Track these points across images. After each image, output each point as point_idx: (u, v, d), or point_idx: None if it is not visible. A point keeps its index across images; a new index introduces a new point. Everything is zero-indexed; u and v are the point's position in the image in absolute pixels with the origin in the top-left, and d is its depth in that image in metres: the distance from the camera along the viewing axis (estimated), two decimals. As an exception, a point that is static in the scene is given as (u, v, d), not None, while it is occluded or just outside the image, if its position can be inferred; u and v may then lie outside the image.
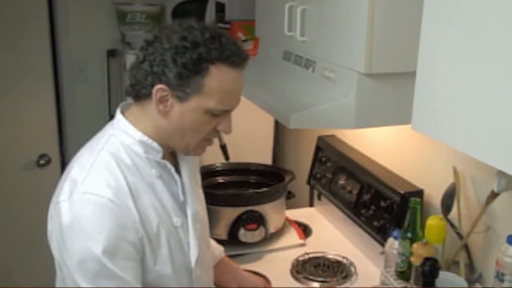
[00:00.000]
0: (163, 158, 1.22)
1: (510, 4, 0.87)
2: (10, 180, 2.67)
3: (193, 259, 1.25)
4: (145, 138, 1.18)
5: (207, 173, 2.14)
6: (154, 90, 1.13)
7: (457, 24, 1.00)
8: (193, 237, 1.25)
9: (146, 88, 1.14)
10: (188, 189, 1.27)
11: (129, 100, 1.23)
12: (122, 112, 1.22)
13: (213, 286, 1.44)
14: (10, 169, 2.67)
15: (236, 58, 1.14)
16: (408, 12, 1.30)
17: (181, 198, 1.24)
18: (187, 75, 1.11)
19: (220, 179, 2.16)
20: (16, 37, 2.55)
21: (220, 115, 1.17)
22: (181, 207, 1.25)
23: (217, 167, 2.18)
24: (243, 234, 1.87)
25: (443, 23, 1.04)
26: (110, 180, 1.12)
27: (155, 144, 1.19)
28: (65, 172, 1.18)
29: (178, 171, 1.27)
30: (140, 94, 1.17)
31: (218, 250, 1.59)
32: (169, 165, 1.23)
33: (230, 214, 1.87)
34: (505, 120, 0.89)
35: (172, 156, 1.28)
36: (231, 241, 1.86)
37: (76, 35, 2.74)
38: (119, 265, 1.09)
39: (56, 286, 1.21)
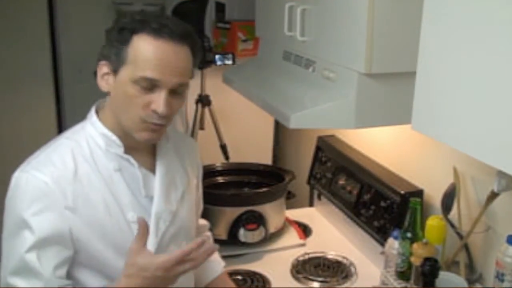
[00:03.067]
0: (127, 153, 1.24)
1: (509, 4, 0.87)
2: (10, 180, 2.67)
3: None
4: (106, 131, 1.23)
5: (207, 173, 2.13)
6: (98, 68, 1.21)
7: (457, 24, 1.00)
8: (152, 235, 1.25)
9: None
10: (159, 188, 1.27)
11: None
12: (97, 108, 1.29)
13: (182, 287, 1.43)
14: (10, 169, 2.67)
15: (161, 28, 1.15)
16: (408, 12, 1.30)
17: (142, 193, 1.25)
18: (114, 46, 1.17)
19: (220, 179, 2.16)
20: (16, 37, 2.55)
21: (150, 89, 1.16)
22: (143, 203, 1.26)
23: (217, 167, 2.18)
24: (243, 234, 1.87)
25: (443, 23, 1.04)
26: (57, 165, 1.17)
27: (115, 138, 1.23)
28: None
29: (152, 169, 1.29)
30: (96, 79, 1.23)
31: (219, 265, 1.58)
32: (132, 160, 1.25)
33: (230, 214, 1.87)
34: (505, 120, 0.89)
35: (151, 154, 1.31)
36: (231, 241, 1.86)
37: (76, 35, 2.74)
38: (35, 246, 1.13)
39: None
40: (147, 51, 1.15)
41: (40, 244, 1.13)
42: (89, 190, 1.19)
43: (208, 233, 1.62)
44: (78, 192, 1.17)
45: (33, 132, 2.68)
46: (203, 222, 1.59)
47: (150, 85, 1.16)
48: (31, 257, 1.13)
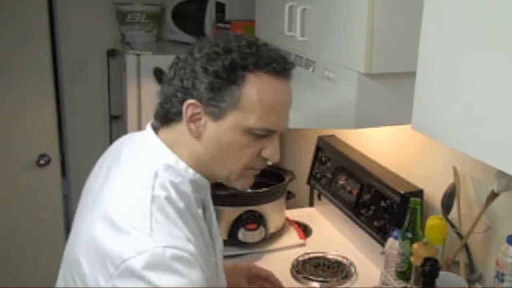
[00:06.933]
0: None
1: (510, 5, 0.87)
2: (10, 180, 2.67)
3: None
4: (198, 176, 1.03)
5: (207, 173, 2.13)
6: (184, 107, 0.98)
7: (457, 24, 1.00)
8: (222, 276, 1.16)
9: (175, 106, 1.00)
10: (216, 224, 1.16)
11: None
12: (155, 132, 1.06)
13: None
14: (10, 169, 2.67)
15: (277, 64, 0.99)
16: (408, 12, 1.30)
17: (217, 237, 1.16)
18: (219, 85, 0.96)
19: (220, 179, 2.16)
20: (16, 37, 2.55)
21: (263, 136, 1.00)
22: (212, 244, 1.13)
23: (217, 167, 2.17)
24: (243, 234, 1.87)
25: (443, 23, 1.04)
26: (180, 231, 0.95)
27: (206, 182, 1.05)
28: (92, 204, 1.00)
29: None
30: (169, 114, 1.02)
31: None
32: (210, 204, 1.11)
33: (230, 214, 1.87)
34: (505, 120, 0.89)
35: None
36: (231, 241, 1.86)
37: (76, 35, 2.74)
38: None
39: (57, 286, 1.20)
40: (267, 95, 0.97)
41: None
42: (200, 246, 1.00)
43: None
44: (198, 251, 0.97)
45: (33, 132, 2.68)
46: None
47: (267, 133, 1.00)
48: None
